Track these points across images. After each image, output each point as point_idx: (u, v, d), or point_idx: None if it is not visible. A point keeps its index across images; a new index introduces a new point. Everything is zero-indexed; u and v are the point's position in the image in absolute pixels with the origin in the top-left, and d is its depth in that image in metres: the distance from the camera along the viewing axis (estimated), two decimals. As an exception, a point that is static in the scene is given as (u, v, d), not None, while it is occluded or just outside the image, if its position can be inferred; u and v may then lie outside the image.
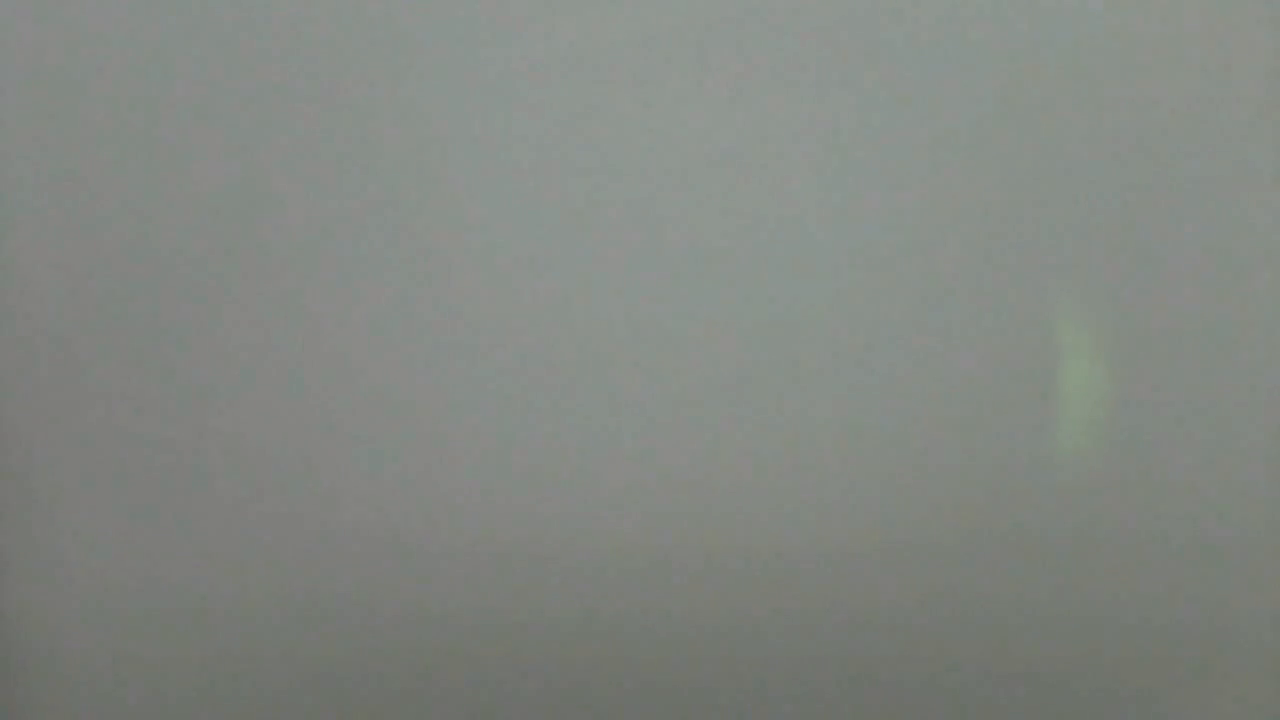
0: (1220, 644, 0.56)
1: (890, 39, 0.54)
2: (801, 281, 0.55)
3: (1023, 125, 0.54)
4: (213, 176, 0.55)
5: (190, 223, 0.55)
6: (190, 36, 0.55)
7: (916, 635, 0.56)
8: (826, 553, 0.55)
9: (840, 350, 0.55)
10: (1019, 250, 0.55)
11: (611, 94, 0.54)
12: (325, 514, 0.56)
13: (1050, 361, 0.55)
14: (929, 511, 0.55)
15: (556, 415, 0.55)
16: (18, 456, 0.56)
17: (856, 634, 0.56)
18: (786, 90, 0.54)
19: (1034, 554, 0.55)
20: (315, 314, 0.55)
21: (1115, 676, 0.56)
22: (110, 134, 0.55)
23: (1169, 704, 0.56)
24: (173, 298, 0.55)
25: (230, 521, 0.56)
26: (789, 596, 0.56)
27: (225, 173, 0.55)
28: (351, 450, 0.55)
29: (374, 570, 0.56)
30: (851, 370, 0.55)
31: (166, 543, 0.56)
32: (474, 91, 0.54)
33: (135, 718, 0.57)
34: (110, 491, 0.56)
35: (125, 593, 0.56)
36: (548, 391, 0.55)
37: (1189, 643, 0.56)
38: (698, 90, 0.54)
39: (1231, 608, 0.56)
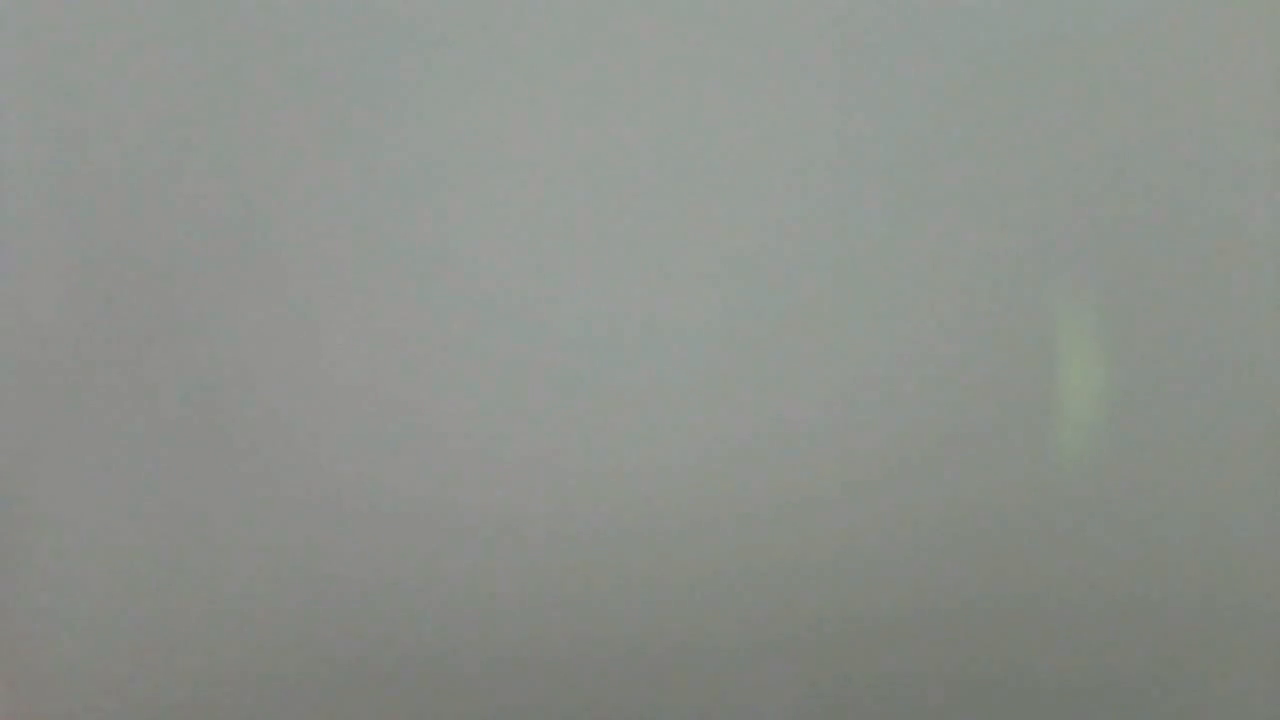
0: (1220, 643, 0.56)
1: (891, 41, 0.54)
2: (801, 281, 0.55)
3: (1022, 127, 0.54)
4: (212, 177, 0.55)
5: (191, 222, 0.55)
6: (190, 37, 0.55)
7: (915, 635, 0.56)
8: (826, 552, 0.56)
9: (839, 351, 0.55)
10: (1019, 251, 0.55)
11: (610, 95, 0.54)
12: (325, 513, 0.56)
13: (1050, 362, 0.55)
14: (928, 511, 0.55)
15: (556, 413, 0.55)
16: (18, 457, 0.56)
17: (857, 632, 0.56)
18: (786, 92, 0.54)
19: (1033, 553, 0.56)
20: (316, 313, 0.55)
21: (1114, 675, 0.56)
22: (110, 134, 0.55)
23: (1169, 702, 0.56)
24: (172, 298, 0.55)
25: (231, 521, 0.56)
26: (788, 596, 0.56)
27: (225, 173, 0.55)
28: (353, 451, 0.55)
29: (374, 570, 0.56)
30: (850, 371, 0.55)
31: (167, 542, 0.56)
32: (475, 91, 0.55)
33: (135, 716, 0.57)
34: (110, 491, 0.56)
35: (125, 593, 0.56)
36: (547, 389, 0.55)
37: (1189, 641, 0.56)
38: (696, 91, 0.54)
39: (1231, 607, 0.56)
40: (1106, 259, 0.55)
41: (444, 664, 0.56)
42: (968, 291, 0.55)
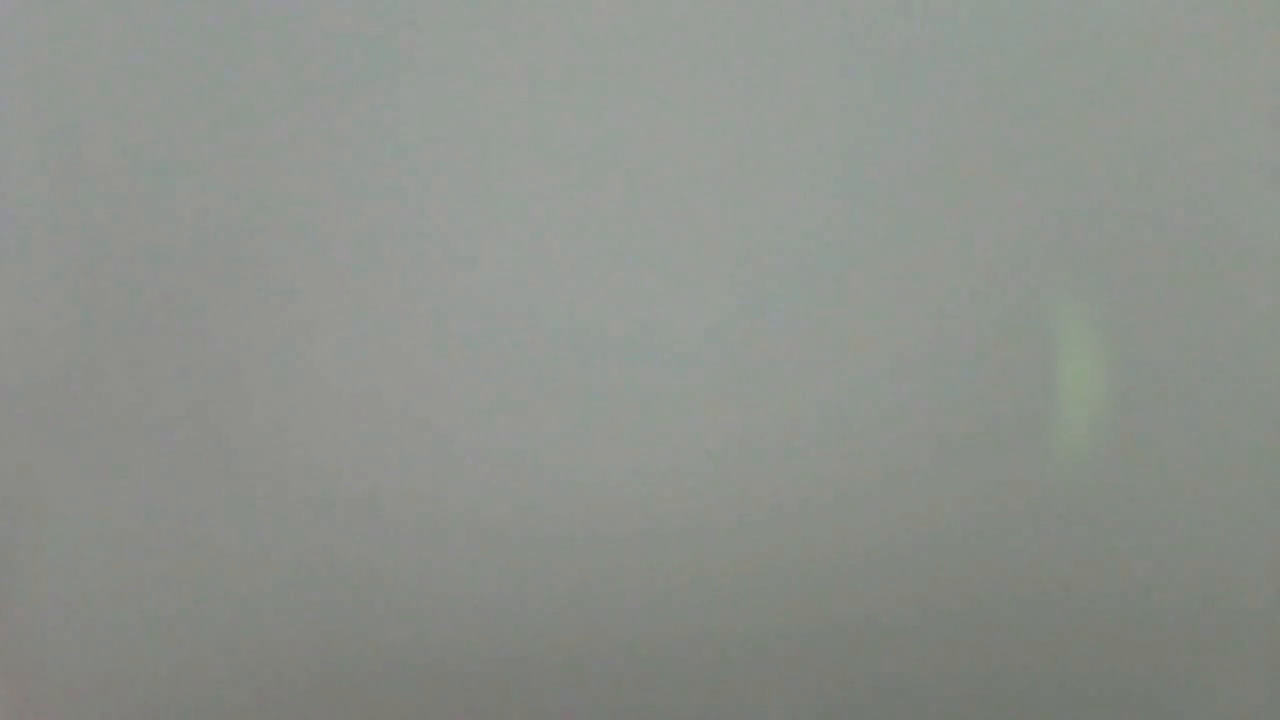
0: (1220, 643, 0.56)
1: (894, 44, 0.54)
2: (803, 283, 0.55)
3: (1023, 130, 0.54)
4: (209, 180, 0.55)
5: (189, 224, 0.55)
6: (188, 40, 0.55)
7: (916, 636, 0.56)
8: (826, 554, 0.56)
9: (841, 352, 0.55)
10: (1019, 254, 0.55)
11: (613, 97, 0.54)
12: (324, 515, 0.56)
13: (1051, 364, 0.55)
14: (929, 512, 0.55)
15: (556, 415, 0.55)
16: (18, 458, 0.56)
17: (858, 633, 0.56)
18: (791, 94, 0.54)
19: (1034, 555, 0.56)
20: (314, 316, 0.55)
21: (1115, 675, 0.56)
22: (107, 140, 0.55)
23: (1169, 702, 0.56)
24: (171, 300, 0.55)
25: (230, 522, 0.56)
26: (789, 598, 0.56)
27: (221, 176, 0.55)
28: (351, 453, 0.55)
29: (373, 571, 0.56)
30: (853, 372, 0.55)
31: (166, 543, 0.56)
32: (474, 92, 0.54)
33: (135, 716, 0.57)
34: (110, 492, 0.56)
35: (125, 593, 0.57)
36: (547, 392, 0.55)
37: (1189, 641, 0.56)
38: (700, 94, 0.54)
39: (1231, 607, 0.56)
40: (1107, 261, 0.55)
41: (443, 665, 0.56)
42: (969, 293, 0.55)
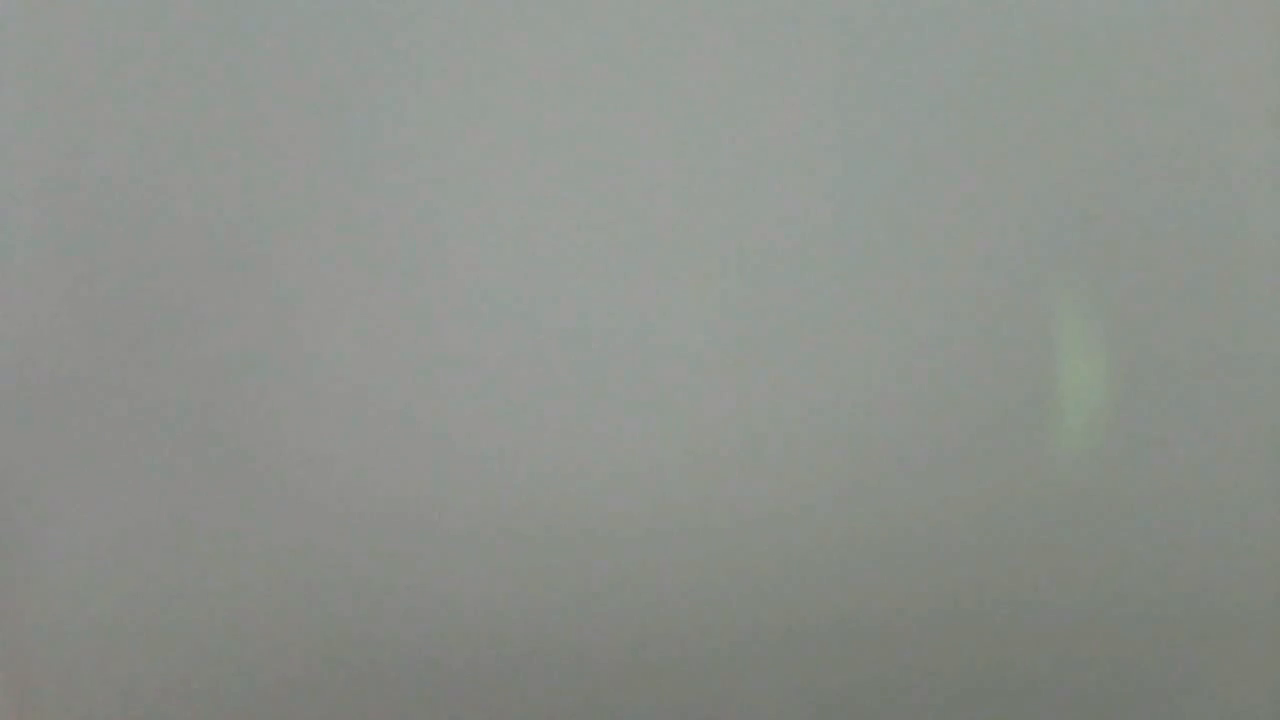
0: (1220, 643, 0.56)
1: (891, 42, 0.54)
2: (801, 282, 0.55)
3: (1022, 129, 0.54)
4: (208, 180, 0.55)
5: (188, 224, 0.55)
6: (186, 41, 0.55)
7: (914, 636, 0.56)
8: (825, 554, 0.55)
9: (839, 352, 0.55)
10: (1019, 253, 0.55)
11: (609, 97, 0.54)
12: (324, 516, 0.56)
13: (1050, 363, 0.55)
14: (928, 512, 0.55)
15: (554, 415, 0.55)
16: (18, 459, 0.56)
17: (856, 634, 0.56)
18: (787, 93, 0.54)
19: (1033, 554, 0.56)
20: (313, 317, 0.55)
21: (1114, 676, 0.56)
22: (106, 141, 0.55)
23: (1168, 703, 0.56)
24: (170, 301, 0.55)
25: (229, 522, 0.56)
26: (788, 598, 0.56)
27: (220, 177, 0.55)
28: (350, 453, 0.55)
29: (371, 571, 0.56)
30: (851, 371, 0.55)
31: (165, 544, 0.56)
32: (472, 92, 0.54)
33: (135, 716, 0.57)
34: (109, 493, 0.56)
35: (125, 593, 0.56)
36: (545, 392, 0.55)
37: (1189, 641, 0.56)
38: (696, 93, 0.54)
39: (1231, 607, 0.56)
40: (1107, 260, 0.55)
41: (443, 665, 0.56)
42: (968, 292, 0.55)
